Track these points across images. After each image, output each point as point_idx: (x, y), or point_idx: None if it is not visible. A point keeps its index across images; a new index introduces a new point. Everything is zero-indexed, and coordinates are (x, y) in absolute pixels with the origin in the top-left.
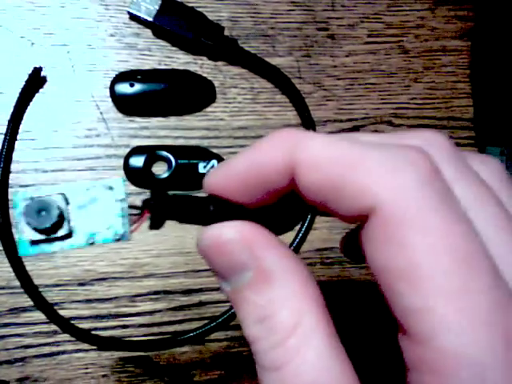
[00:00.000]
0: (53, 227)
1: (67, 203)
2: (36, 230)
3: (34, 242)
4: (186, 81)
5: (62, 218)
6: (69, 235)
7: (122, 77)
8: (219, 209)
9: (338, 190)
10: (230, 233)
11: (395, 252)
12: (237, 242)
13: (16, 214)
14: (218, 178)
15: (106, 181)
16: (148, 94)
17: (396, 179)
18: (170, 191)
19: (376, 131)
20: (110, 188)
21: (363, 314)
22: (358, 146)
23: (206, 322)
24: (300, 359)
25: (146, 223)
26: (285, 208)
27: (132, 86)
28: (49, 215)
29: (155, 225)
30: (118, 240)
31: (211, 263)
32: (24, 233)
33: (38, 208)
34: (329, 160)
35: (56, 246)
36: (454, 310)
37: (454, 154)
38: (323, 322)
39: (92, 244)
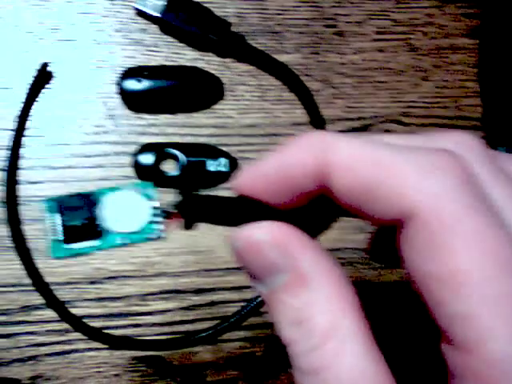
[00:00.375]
0: (87, 228)
1: (100, 205)
2: (70, 229)
3: (68, 240)
4: (193, 77)
5: (92, 221)
6: (101, 235)
7: (129, 73)
8: (249, 210)
9: (373, 193)
10: (262, 234)
11: (437, 258)
12: (270, 243)
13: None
14: (246, 179)
15: (138, 183)
16: (156, 91)
17: (434, 184)
18: (180, 189)
19: (387, 130)
20: (144, 191)
21: (376, 315)
22: (392, 149)
23: (217, 321)
24: (339, 363)
25: (178, 223)
26: (316, 210)
27: (139, 82)
28: (84, 215)
29: (188, 226)
30: (152, 239)
31: (245, 265)
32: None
33: (73, 206)
34: (363, 163)
35: (91, 247)
36: (501, 316)
37: (485, 156)
38: (360, 324)
39: (126, 245)
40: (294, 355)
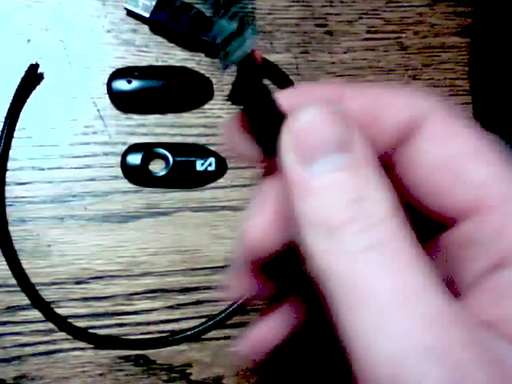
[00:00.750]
0: None
1: None
2: None
3: None
4: (183, 78)
5: None
6: None
7: (119, 73)
8: None
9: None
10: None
11: None
12: (335, 119)
13: None
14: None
15: None
16: (145, 91)
17: None
18: (167, 189)
19: None
20: None
21: None
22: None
23: (203, 320)
24: (398, 240)
25: None
26: None
27: (129, 82)
28: None
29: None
30: None
31: (299, 142)
32: None
33: None
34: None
35: None
36: None
37: None
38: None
39: None
40: (346, 235)
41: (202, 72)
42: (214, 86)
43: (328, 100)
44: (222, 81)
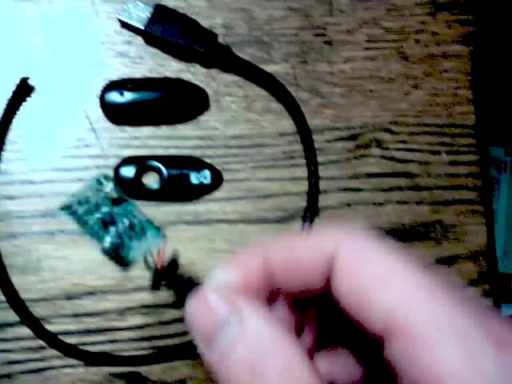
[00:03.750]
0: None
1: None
2: None
3: None
4: (178, 89)
5: None
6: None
7: (112, 86)
8: None
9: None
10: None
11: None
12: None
13: None
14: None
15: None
16: (139, 103)
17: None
18: (162, 202)
19: (375, 140)
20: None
21: None
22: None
23: None
24: None
25: None
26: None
27: (122, 94)
28: None
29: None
30: None
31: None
32: None
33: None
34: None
35: None
36: None
37: None
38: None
39: None
40: None
41: (198, 83)
42: (210, 97)
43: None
44: (218, 92)
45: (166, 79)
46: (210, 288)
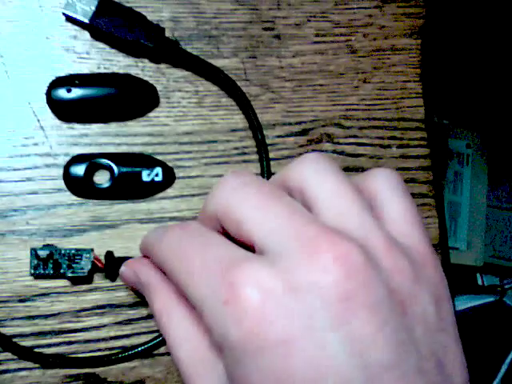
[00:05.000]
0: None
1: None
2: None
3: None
4: (126, 85)
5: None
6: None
7: (58, 82)
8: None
9: None
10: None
11: None
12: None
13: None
14: None
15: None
16: (86, 100)
17: None
18: (114, 201)
19: (326, 134)
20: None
21: None
22: None
23: (155, 335)
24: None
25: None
26: None
27: (69, 91)
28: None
29: (111, 278)
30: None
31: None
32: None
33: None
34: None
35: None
36: None
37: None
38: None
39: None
40: None
41: (147, 79)
42: (160, 93)
43: None
44: (168, 87)
45: (115, 75)
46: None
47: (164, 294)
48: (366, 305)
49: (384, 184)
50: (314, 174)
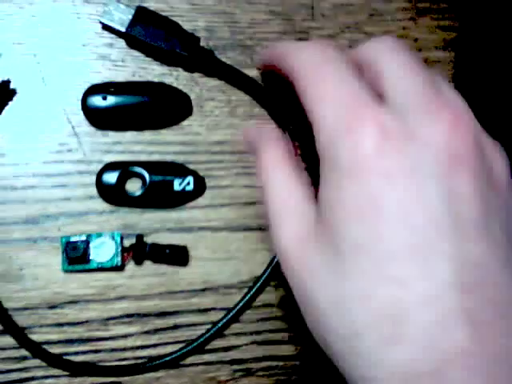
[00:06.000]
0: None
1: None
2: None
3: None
4: (161, 94)
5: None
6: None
7: (94, 89)
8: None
9: None
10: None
11: None
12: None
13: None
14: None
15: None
16: (121, 108)
17: None
18: (145, 209)
19: None
20: (113, 238)
21: None
22: None
23: (181, 345)
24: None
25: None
26: None
27: (105, 98)
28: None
29: (137, 262)
30: (114, 267)
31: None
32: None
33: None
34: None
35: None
36: None
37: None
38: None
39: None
40: None
41: (181, 87)
42: (193, 102)
43: None
44: (201, 96)
45: (149, 83)
46: None
47: (273, 150)
48: (471, 170)
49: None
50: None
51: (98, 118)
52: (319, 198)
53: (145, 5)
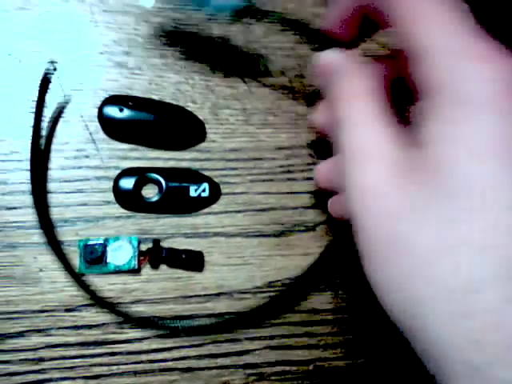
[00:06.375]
0: (98, 259)
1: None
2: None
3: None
4: (177, 117)
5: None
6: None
7: (112, 100)
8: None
9: None
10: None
11: None
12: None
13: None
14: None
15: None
16: (135, 123)
17: None
18: (160, 215)
19: None
20: (130, 242)
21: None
22: None
23: (196, 349)
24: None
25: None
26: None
27: (121, 111)
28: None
29: (154, 266)
30: (132, 270)
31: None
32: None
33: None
34: None
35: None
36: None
37: None
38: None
39: (117, 271)
40: None
41: (197, 96)
42: (208, 110)
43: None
44: (216, 104)
45: (169, 105)
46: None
47: (358, 79)
48: None
49: None
50: None
51: (111, 128)
52: (423, 132)
53: (159, 18)
